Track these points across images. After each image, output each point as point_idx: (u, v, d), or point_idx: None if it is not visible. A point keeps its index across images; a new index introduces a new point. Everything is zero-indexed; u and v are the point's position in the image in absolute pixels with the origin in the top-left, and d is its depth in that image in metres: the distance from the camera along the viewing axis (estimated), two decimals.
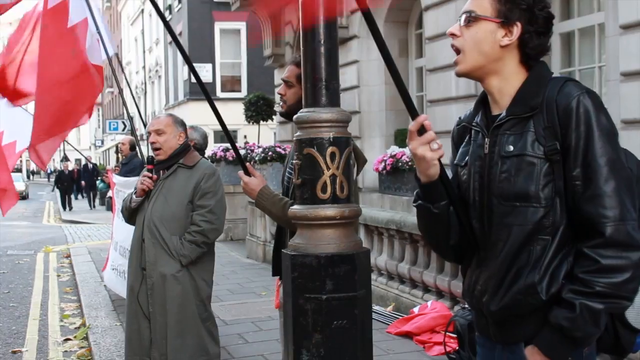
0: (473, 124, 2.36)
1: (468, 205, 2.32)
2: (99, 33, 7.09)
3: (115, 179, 8.57)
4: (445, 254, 2.52)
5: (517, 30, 2.20)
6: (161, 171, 4.84)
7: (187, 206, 4.76)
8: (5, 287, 10.90)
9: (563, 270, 2.12)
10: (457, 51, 2.28)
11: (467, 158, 2.35)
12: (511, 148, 2.17)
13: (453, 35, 2.27)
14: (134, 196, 4.86)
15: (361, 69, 11.68)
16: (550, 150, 2.11)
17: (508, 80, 2.24)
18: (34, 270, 12.56)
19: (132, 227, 5.03)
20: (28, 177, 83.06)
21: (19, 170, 57.11)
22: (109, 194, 19.45)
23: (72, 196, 33.20)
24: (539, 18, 2.21)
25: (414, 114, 2.17)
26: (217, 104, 3.66)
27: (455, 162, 2.43)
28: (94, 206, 31.86)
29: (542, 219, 2.13)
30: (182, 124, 4.96)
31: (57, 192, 34.31)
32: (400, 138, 10.92)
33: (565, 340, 2.09)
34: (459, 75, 2.32)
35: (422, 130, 2.13)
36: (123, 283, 7.57)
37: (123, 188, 7.81)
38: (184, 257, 4.69)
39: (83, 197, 36.15)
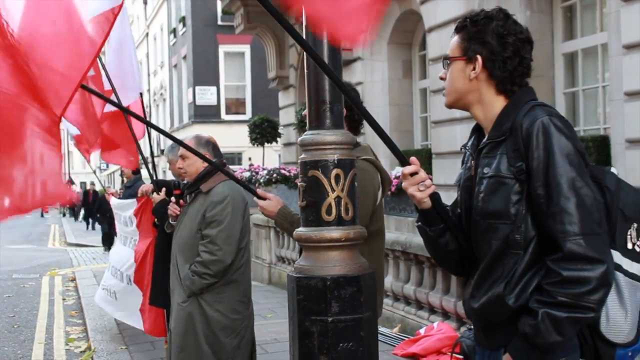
0: (466, 148, 2.56)
1: (461, 222, 2.50)
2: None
3: (112, 201, 8.48)
4: (447, 267, 2.69)
5: (478, 63, 2.39)
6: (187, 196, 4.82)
7: (197, 234, 4.58)
8: (11, 311, 10.87)
9: (534, 282, 2.25)
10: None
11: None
12: (487, 170, 2.35)
13: (442, 79, 2.52)
14: (170, 221, 4.88)
15: (365, 91, 11.70)
16: (517, 170, 2.27)
17: (490, 108, 2.43)
18: (39, 294, 12.53)
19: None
20: None
21: None
22: None
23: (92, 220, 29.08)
24: (506, 46, 2.36)
25: (402, 160, 2.42)
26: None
27: (455, 182, 2.61)
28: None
29: (514, 235, 2.28)
30: (207, 144, 4.70)
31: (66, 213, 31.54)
32: None
33: (532, 347, 2.21)
34: (447, 107, 2.55)
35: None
36: (112, 303, 7.58)
37: (118, 210, 7.72)
38: (186, 288, 4.54)
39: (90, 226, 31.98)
